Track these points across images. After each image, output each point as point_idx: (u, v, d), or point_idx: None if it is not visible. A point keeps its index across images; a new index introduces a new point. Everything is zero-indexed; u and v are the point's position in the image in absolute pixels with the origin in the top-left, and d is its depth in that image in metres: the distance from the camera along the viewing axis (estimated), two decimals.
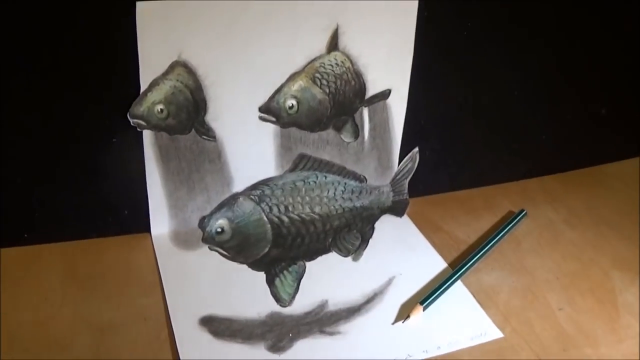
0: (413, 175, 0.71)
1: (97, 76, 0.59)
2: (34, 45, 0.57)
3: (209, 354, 0.54)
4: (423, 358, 0.56)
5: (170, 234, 0.67)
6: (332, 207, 0.66)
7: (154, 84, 0.61)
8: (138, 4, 0.57)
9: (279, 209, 0.64)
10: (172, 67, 0.61)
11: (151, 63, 0.60)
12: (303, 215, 0.65)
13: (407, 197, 0.71)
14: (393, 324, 0.59)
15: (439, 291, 0.61)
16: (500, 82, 0.74)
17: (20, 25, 0.55)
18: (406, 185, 0.71)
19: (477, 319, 0.60)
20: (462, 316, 0.60)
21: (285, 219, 0.64)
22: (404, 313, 0.60)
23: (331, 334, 0.58)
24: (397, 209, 0.71)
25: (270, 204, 0.64)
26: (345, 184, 0.67)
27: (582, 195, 0.79)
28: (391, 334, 0.58)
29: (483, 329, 0.59)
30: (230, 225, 0.63)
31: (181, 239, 0.67)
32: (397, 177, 0.70)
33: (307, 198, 0.65)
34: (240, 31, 0.61)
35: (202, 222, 0.64)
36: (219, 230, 0.63)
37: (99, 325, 0.56)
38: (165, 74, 0.61)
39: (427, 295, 0.61)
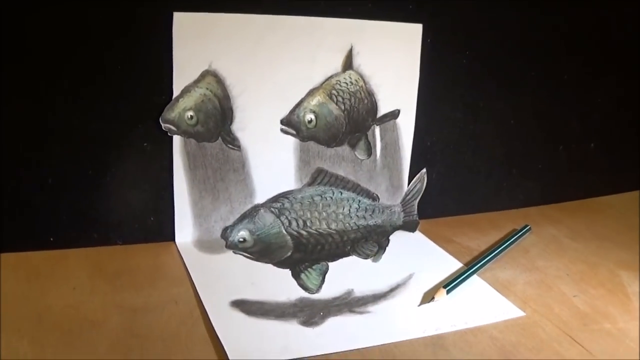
0: (421, 198, 0.74)
1: (131, 82, 0.63)
2: (69, 48, 0.60)
3: (244, 329, 0.55)
4: (451, 331, 0.57)
5: (194, 242, 0.69)
6: (347, 224, 0.69)
7: (185, 91, 0.66)
8: (176, 14, 0.63)
9: (297, 223, 0.67)
10: (203, 75, 0.66)
11: (184, 70, 0.65)
12: (321, 230, 0.68)
13: (417, 217, 0.75)
14: (419, 305, 0.60)
15: (460, 278, 0.63)
16: (497, 111, 0.80)
17: (55, 28, 0.59)
18: (416, 206, 0.75)
19: (497, 301, 0.62)
20: (484, 300, 0.62)
21: (304, 233, 0.67)
22: (428, 297, 0.61)
23: (361, 312, 0.59)
24: (408, 227, 0.74)
25: (289, 218, 0.67)
26: (360, 201, 0.71)
27: (581, 219, 0.83)
28: (419, 313, 0.59)
29: (505, 309, 0.60)
30: (252, 237, 0.65)
31: (205, 246, 0.68)
32: (407, 198, 0.74)
33: (324, 214, 0.68)
34: (266, 46, 0.67)
35: (225, 233, 0.67)
36: (241, 240, 0.65)
37: (131, 307, 0.57)
38: (196, 82, 0.66)
39: (450, 282, 0.62)
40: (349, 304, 0.60)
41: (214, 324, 0.54)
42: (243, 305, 0.58)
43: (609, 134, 0.89)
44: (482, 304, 0.61)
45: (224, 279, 0.62)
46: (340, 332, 0.55)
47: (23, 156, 0.62)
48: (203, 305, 0.57)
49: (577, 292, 0.64)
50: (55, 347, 0.50)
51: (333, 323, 0.57)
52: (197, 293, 0.59)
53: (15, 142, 0.61)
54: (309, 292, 0.62)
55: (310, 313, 0.58)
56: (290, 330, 0.55)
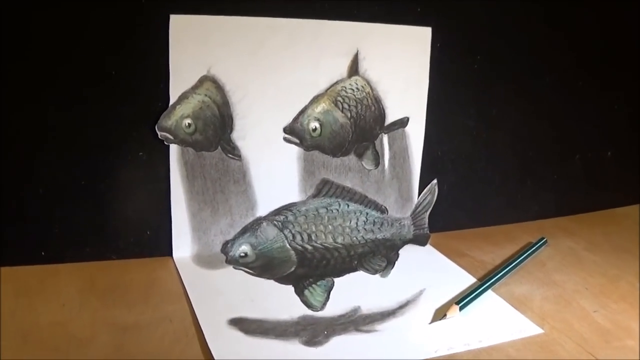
0: (432, 210, 0.71)
1: (126, 88, 0.60)
2: (61, 53, 0.58)
3: (242, 350, 0.51)
4: (465, 350, 0.53)
5: (192, 257, 0.65)
6: (355, 237, 0.66)
7: (183, 97, 0.63)
8: (172, 16, 0.60)
9: (302, 237, 0.63)
10: (201, 81, 0.63)
11: (181, 76, 0.62)
12: (326, 244, 0.64)
13: (428, 230, 0.71)
14: (430, 323, 0.57)
15: (473, 294, 0.59)
16: (511, 119, 0.77)
17: (47, 31, 0.57)
18: (426, 219, 0.71)
19: (514, 318, 0.58)
20: (499, 317, 0.58)
21: (309, 247, 0.64)
22: (440, 314, 0.57)
23: (368, 331, 0.55)
24: (419, 241, 0.71)
25: (293, 232, 0.63)
26: (367, 214, 0.67)
27: (598, 231, 0.80)
28: (430, 331, 0.56)
29: (522, 326, 0.57)
30: (254, 251, 0.62)
31: (204, 261, 0.65)
32: (418, 210, 0.71)
33: (330, 227, 0.65)
34: (268, 50, 0.64)
35: (225, 247, 0.64)
36: (242, 255, 0.62)
37: (122, 325, 0.53)
38: (194, 88, 0.63)
39: (463, 298, 0.59)
40: (355, 322, 0.56)
41: (209, 344, 0.51)
42: (241, 324, 0.55)
43: (626, 142, 0.86)
44: (497, 321, 0.58)
45: (223, 296, 0.59)
46: (346, 352, 0.52)
47: (13, 165, 0.59)
48: (199, 324, 0.54)
49: (598, 307, 0.61)
50: None
51: (338, 343, 0.53)
52: (193, 310, 0.56)
53: (4, 150, 0.58)
54: (312, 310, 0.58)
55: (313, 332, 0.54)
56: (292, 351, 0.52)
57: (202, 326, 0.53)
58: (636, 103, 0.84)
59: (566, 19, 0.76)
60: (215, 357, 0.49)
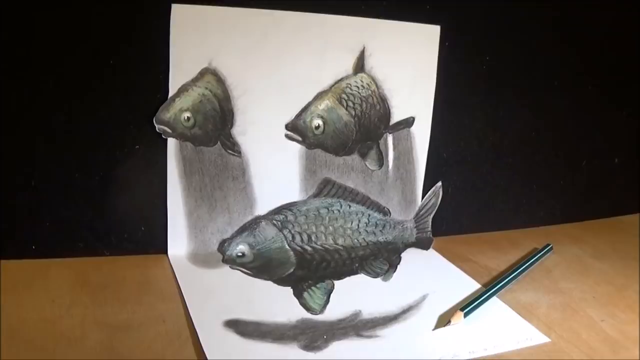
0: (436, 214, 0.69)
1: (124, 79, 0.58)
2: (56, 44, 0.56)
3: (237, 353, 0.49)
4: (470, 358, 0.51)
5: (188, 255, 0.63)
6: (356, 239, 0.64)
7: (182, 90, 0.61)
8: (174, 5, 0.58)
9: (301, 238, 0.61)
10: (202, 74, 0.61)
11: (182, 68, 0.60)
12: (327, 246, 0.62)
13: (431, 234, 0.69)
14: (434, 330, 0.55)
15: (478, 301, 0.57)
16: (518, 122, 0.75)
17: (45, 23, 0.55)
18: (430, 222, 0.69)
19: (520, 326, 0.56)
20: (504, 324, 0.56)
21: (309, 248, 0.62)
22: (444, 321, 0.55)
23: (369, 337, 0.53)
24: (421, 245, 0.69)
25: (292, 232, 0.62)
26: (369, 215, 0.65)
27: (605, 238, 0.78)
28: (433, 338, 0.54)
29: (528, 335, 0.55)
30: (252, 251, 0.60)
31: (200, 260, 0.63)
32: (421, 213, 0.69)
33: (331, 228, 0.63)
34: (271, 44, 0.62)
35: (222, 246, 0.62)
36: (240, 254, 0.60)
37: (113, 324, 0.51)
38: (194, 80, 0.61)
39: (467, 304, 0.57)
40: (356, 326, 0.54)
41: (203, 346, 0.48)
42: (237, 326, 0.52)
43: (633, 149, 0.84)
44: (502, 328, 0.56)
45: (219, 297, 0.57)
46: (346, 357, 0.50)
47: (3, 156, 0.56)
48: (193, 325, 0.51)
49: (605, 316, 0.59)
50: None
51: (338, 348, 0.51)
52: (188, 311, 0.53)
53: None
54: (311, 313, 0.56)
55: (312, 336, 0.52)
56: (290, 355, 0.50)
57: (196, 327, 0.51)
58: None
59: (576, 23, 0.74)
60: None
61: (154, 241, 0.63)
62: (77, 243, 0.61)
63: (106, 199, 0.61)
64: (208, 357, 0.47)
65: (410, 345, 0.52)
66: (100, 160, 0.60)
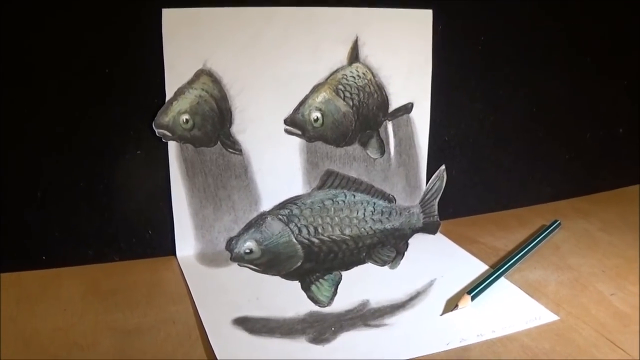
0: (441, 197, 0.69)
1: (121, 86, 0.59)
2: (51, 51, 0.56)
3: (247, 350, 0.50)
4: (478, 341, 0.51)
5: (196, 255, 0.64)
6: (363, 228, 0.64)
7: (179, 93, 0.61)
8: (164, 10, 0.58)
9: (308, 231, 0.62)
10: (197, 75, 0.61)
11: (176, 71, 0.60)
12: (334, 237, 0.63)
13: (438, 218, 0.69)
14: (441, 315, 0.55)
15: (485, 283, 0.57)
16: (519, 99, 0.74)
17: (42, 28, 0.55)
18: (436, 206, 0.70)
19: (528, 305, 0.56)
20: (513, 305, 0.57)
21: (316, 240, 0.62)
22: (452, 305, 0.56)
23: (377, 326, 0.53)
24: (429, 229, 0.69)
25: (299, 225, 0.62)
26: (375, 204, 0.65)
27: (613, 211, 0.78)
28: (441, 323, 0.54)
29: (537, 314, 0.55)
30: (259, 247, 0.61)
31: (208, 260, 0.63)
32: (426, 197, 0.69)
33: (337, 219, 0.63)
34: (264, 41, 0.62)
35: (230, 244, 0.63)
36: (248, 251, 0.60)
37: (124, 329, 0.52)
38: (190, 83, 0.61)
39: (474, 287, 0.57)
40: (364, 316, 0.55)
41: (213, 346, 0.49)
42: (246, 323, 0.53)
43: (637, 117, 0.83)
44: (511, 309, 0.56)
45: (227, 295, 0.57)
46: (354, 349, 0.50)
47: (9, 169, 0.57)
48: (203, 325, 0.52)
49: (615, 290, 0.59)
50: None
51: (346, 339, 0.51)
52: (197, 311, 0.54)
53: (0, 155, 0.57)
54: (319, 305, 0.57)
55: (320, 329, 0.53)
56: (298, 349, 0.50)
57: (205, 327, 0.52)
58: None
59: None
60: (218, 359, 0.47)
61: (163, 244, 0.64)
62: (86, 251, 0.62)
63: (112, 205, 0.62)
64: (217, 355, 0.48)
65: (417, 332, 0.52)
66: (104, 168, 0.61)
